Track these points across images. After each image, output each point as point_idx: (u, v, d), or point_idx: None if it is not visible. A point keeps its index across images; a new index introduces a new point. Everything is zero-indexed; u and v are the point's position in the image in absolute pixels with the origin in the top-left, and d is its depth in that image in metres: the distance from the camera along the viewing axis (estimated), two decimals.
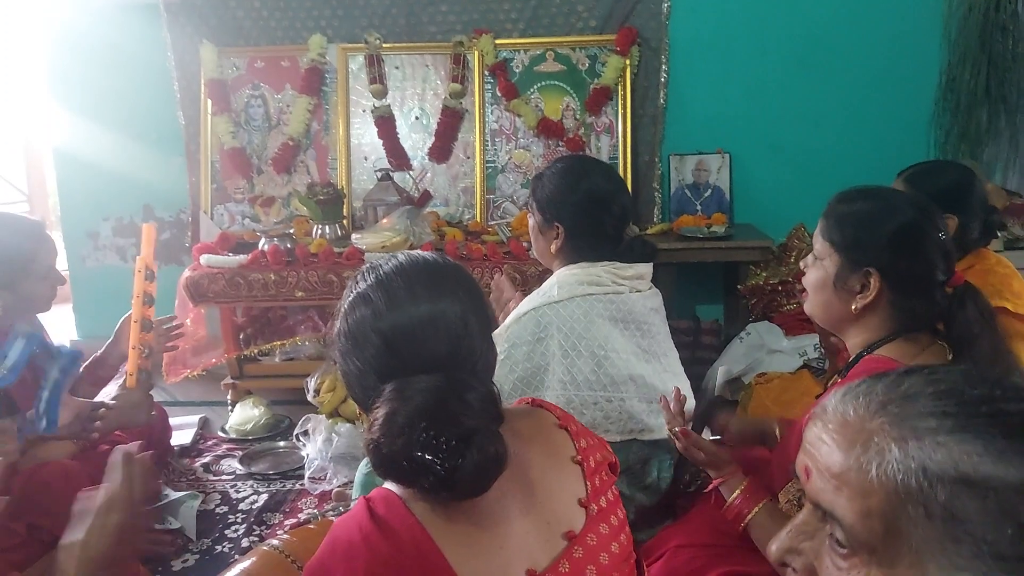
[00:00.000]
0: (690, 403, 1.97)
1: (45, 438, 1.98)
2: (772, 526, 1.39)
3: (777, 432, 1.79)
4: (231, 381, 3.19)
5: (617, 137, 3.47)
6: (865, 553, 0.68)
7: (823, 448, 0.71)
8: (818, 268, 1.45)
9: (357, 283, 1.05)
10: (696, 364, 3.10)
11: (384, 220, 3.15)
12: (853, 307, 1.38)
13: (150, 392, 2.20)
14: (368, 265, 1.08)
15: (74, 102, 3.64)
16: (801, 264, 1.55)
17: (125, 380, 2.16)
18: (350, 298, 1.04)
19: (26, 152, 4.86)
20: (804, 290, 1.53)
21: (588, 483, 1.06)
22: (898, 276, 1.35)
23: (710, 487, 1.56)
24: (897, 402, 0.69)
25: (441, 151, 3.52)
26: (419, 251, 1.11)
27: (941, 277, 1.35)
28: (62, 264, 4.62)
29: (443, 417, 0.91)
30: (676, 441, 1.63)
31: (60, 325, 4.25)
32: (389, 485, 1.00)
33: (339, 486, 2.50)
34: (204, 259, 3.02)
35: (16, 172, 4.89)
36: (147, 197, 3.72)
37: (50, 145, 3.90)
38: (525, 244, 3.02)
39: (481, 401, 0.95)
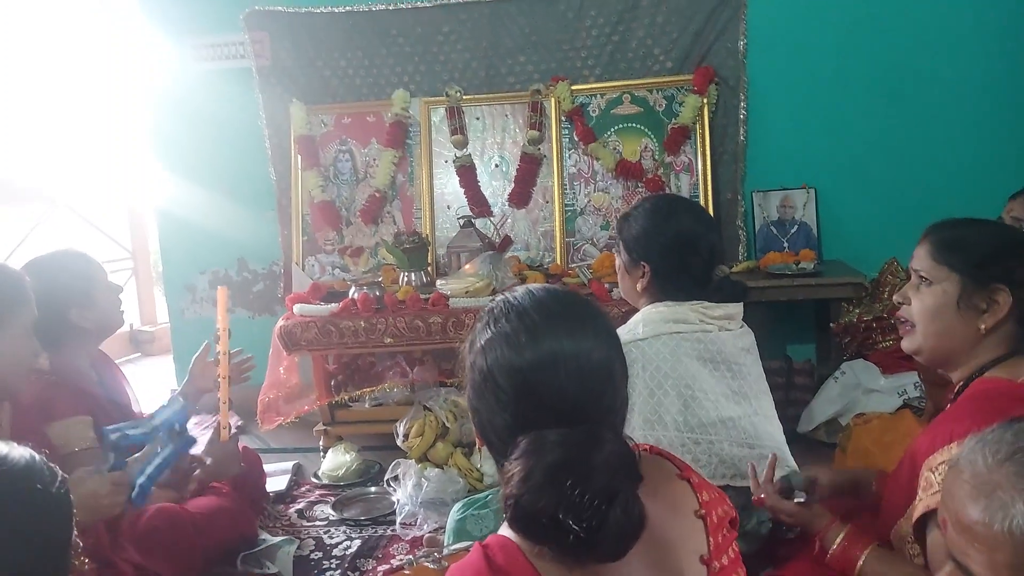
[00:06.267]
0: (784, 448, 1.91)
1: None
2: (886, 568, 1.35)
3: (873, 486, 1.74)
4: (323, 428, 3.26)
5: (697, 175, 3.45)
6: None
7: (955, 499, 0.71)
8: (932, 293, 1.42)
9: (496, 319, 1.00)
10: (789, 405, 3.03)
11: (467, 266, 3.21)
12: (981, 326, 1.37)
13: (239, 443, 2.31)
14: (502, 300, 1.02)
15: (174, 163, 3.85)
16: (896, 298, 1.51)
17: (216, 433, 2.26)
18: (487, 336, 0.99)
19: (130, 213, 5.17)
20: (905, 323, 1.48)
21: (711, 539, 1.00)
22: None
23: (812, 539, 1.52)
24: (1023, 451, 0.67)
25: (521, 197, 3.58)
26: (554, 286, 1.05)
27: None
28: (163, 317, 4.88)
29: (585, 474, 0.86)
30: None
31: (160, 375, 4.46)
32: (504, 531, 0.95)
33: (430, 531, 2.51)
34: (297, 308, 3.11)
35: (121, 231, 5.20)
36: (241, 251, 3.88)
37: (152, 205, 4.13)
38: (607, 285, 3.02)
39: (620, 458, 0.90)
